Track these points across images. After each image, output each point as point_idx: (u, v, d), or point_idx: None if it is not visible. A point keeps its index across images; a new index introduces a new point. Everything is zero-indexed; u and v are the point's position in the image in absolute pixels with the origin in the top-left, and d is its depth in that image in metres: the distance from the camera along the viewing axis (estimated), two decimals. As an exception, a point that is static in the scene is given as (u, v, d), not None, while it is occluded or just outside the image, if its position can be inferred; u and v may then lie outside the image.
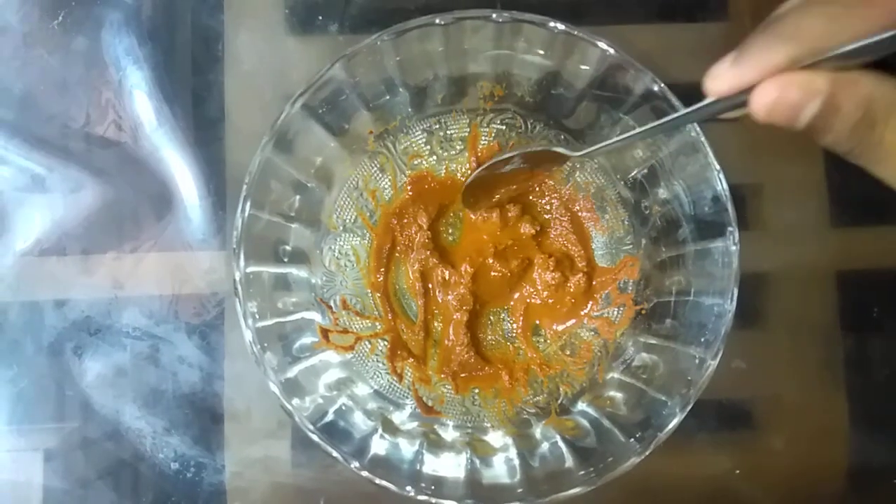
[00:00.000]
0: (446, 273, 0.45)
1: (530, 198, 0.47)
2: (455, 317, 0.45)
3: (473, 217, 0.46)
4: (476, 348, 0.46)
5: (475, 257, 0.46)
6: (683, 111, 0.30)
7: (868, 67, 0.24)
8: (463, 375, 0.45)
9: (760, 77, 0.24)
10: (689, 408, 0.37)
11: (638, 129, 0.34)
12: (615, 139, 0.36)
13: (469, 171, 0.46)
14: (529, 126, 0.46)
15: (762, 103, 0.25)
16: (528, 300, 0.46)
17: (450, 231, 0.47)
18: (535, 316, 0.46)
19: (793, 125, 0.25)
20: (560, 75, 0.41)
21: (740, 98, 0.26)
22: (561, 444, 0.41)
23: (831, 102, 0.24)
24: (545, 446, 0.42)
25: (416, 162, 0.46)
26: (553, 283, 0.45)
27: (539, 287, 0.46)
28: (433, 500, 0.37)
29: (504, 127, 0.46)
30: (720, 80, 0.26)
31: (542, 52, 0.40)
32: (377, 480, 0.38)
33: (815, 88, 0.24)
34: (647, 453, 0.37)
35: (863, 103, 0.24)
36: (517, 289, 0.46)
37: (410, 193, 0.46)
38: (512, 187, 0.45)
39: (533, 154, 0.41)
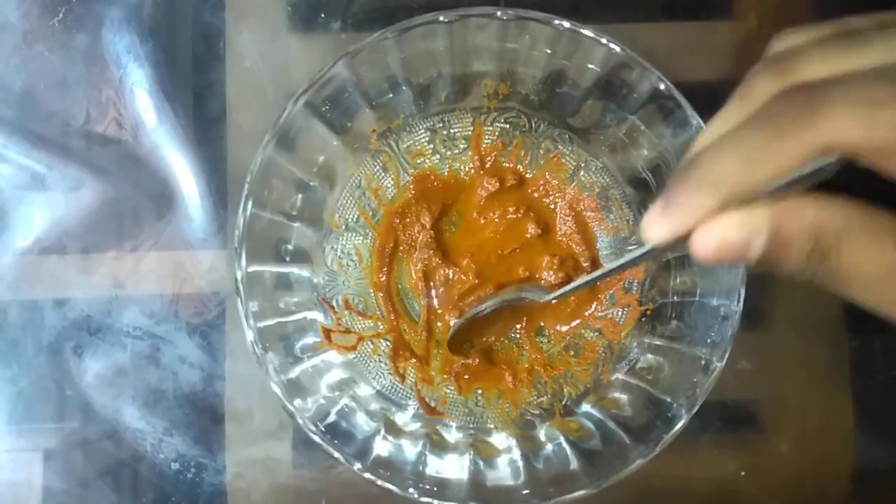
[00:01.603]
0: (450, 272, 0.45)
1: (535, 195, 0.46)
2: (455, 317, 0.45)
3: (476, 216, 0.46)
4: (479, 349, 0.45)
5: (478, 255, 0.45)
6: (627, 258, 0.29)
7: (812, 189, 0.22)
8: (466, 376, 0.45)
9: (694, 223, 0.23)
10: (695, 410, 0.37)
11: (591, 275, 0.34)
12: (577, 282, 0.35)
13: (472, 170, 0.46)
14: (534, 125, 0.45)
15: (705, 249, 0.23)
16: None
17: (452, 230, 0.47)
18: (538, 316, 0.46)
19: (746, 262, 0.23)
20: (565, 73, 0.41)
21: (682, 243, 0.24)
22: (565, 445, 0.41)
23: (777, 237, 0.22)
24: (549, 448, 0.41)
25: (419, 161, 0.46)
26: (557, 283, 0.45)
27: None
28: (436, 502, 0.37)
29: (508, 126, 0.45)
30: (654, 229, 0.24)
31: (547, 49, 0.40)
32: (380, 482, 0.38)
33: (756, 226, 0.22)
34: (652, 455, 0.37)
35: (811, 234, 0.22)
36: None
37: (413, 192, 0.46)
38: (499, 326, 0.45)
39: (510, 302, 0.42)
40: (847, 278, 0.22)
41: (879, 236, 0.22)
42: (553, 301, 0.40)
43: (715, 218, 0.23)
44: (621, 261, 0.29)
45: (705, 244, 0.23)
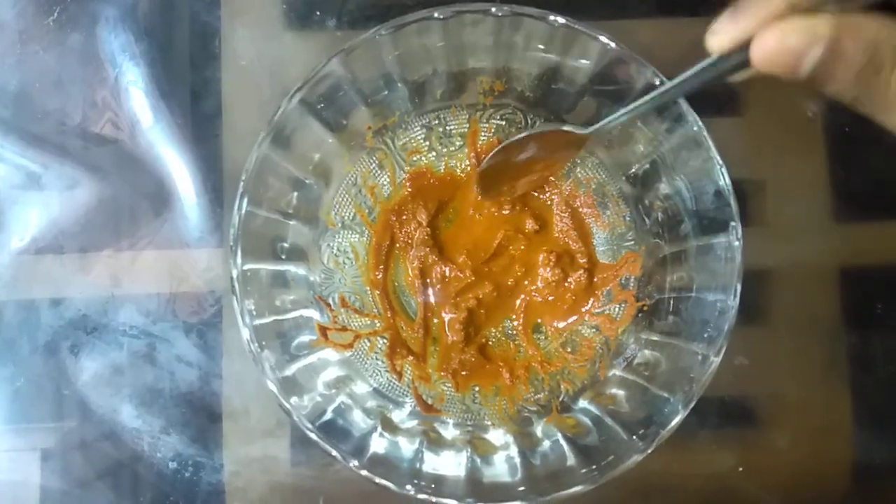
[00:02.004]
0: (446, 270, 0.45)
1: (533, 193, 0.46)
2: (451, 314, 0.45)
3: (473, 212, 0.46)
4: (476, 346, 0.45)
5: (474, 252, 0.45)
6: (689, 72, 0.29)
7: (871, 10, 0.23)
8: (463, 373, 0.45)
9: (760, 26, 0.24)
10: (692, 405, 0.37)
11: (648, 97, 0.33)
12: (625, 110, 0.35)
13: (468, 167, 0.46)
14: (529, 121, 0.45)
15: (762, 52, 0.24)
16: (528, 297, 0.46)
17: (449, 227, 0.47)
18: (535, 313, 0.46)
19: (796, 74, 0.24)
20: (560, 70, 0.41)
21: (743, 55, 0.25)
22: (562, 441, 0.41)
23: (834, 48, 0.23)
24: (546, 444, 0.41)
25: (415, 158, 0.46)
26: (554, 279, 0.45)
27: (540, 284, 0.45)
28: (433, 499, 0.37)
29: (504, 122, 0.45)
30: (720, 34, 0.25)
31: (542, 46, 0.40)
32: (377, 479, 0.37)
33: (817, 34, 0.23)
34: (649, 451, 0.37)
35: (867, 47, 0.23)
36: (518, 290, 0.46)
37: (409, 190, 0.46)
38: (531, 177, 0.44)
39: (544, 137, 0.40)
40: (894, 98, 0.23)
41: None
42: (590, 133, 0.37)
43: (779, 22, 0.23)
44: (690, 72, 0.29)
45: (764, 47, 0.23)
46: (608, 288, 0.45)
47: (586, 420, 0.42)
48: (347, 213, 0.46)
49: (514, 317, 0.46)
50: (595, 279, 0.46)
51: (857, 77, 0.23)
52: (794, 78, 0.24)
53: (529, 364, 0.45)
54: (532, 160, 0.42)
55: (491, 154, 0.42)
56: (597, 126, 0.37)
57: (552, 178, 0.46)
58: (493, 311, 0.46)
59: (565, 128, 0.39)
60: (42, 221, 0.47)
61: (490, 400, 0.45)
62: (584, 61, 0.39)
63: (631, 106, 0.35)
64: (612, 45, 0.37)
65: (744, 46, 0.24)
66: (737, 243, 0.37)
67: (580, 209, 0.46)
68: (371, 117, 0.44)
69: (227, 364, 0.46)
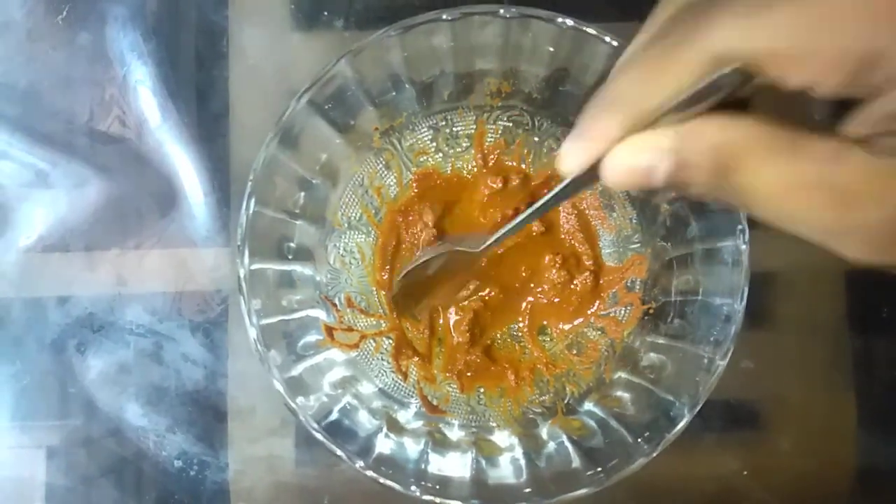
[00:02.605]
0: (452, 271, 0.45)
1: (537, 193, 0.46)
2: (457, 315, 0.45)
3: (479, 214, 0.46)
4: (481, 347, 0.45)
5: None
6: (548, 195, 0.29)
7: (714, 112, 0.22)
8: (468, 374, 0.45)
9: (605, 148, 0.23)
10: (698, 408, 0.37)
11: (514, 221, 0.34)
12: (505, 228, 0.35)
13: (475, 169, 0.46)
14: (537, 123, 0.45)
15: (612, 174, 0.23)
16: (534, 299, 0.46)
17: (455, 229, 0.47)
18: (541, 315, 0.46)
19: (651, 187, 0.23)
20: (568, 72, 0.41)
21: (595, 171, 0.24)
22: (567, 444, 0.41)
23: (679, 158, 0.22)
24: (552, 446, 0.41)
25: (421, 159, 0.46)
26: (559, 281, 0.45)
27: (545, 286, 0.45)
28: (438, 500, 0.37)
29: (511, 124, 0.45)
30: (568, 159, 0.24)
31: (550, 47, 0.40)
32: (382, 480, 0.37)
33: (661, 148, 0.22)
34: (654, 454, 0.37)
35: (710, 154, 0.22)
36: (524, 292, 0.46)
37: (416, 191, 0.46)
38: (445, 288, 0.45)
39: (442, 258, 0.41)
40: (748, 197, 0.22)
41: (776, 153, 0.21)
42: (482, 251, 0.39)
43: (622, 143, 0.23)
44: (549, 195, 0.29)
45: (613, 169, 0.23)
46: (614, 290, 0.45)
47: (591, 422, 0.42)
48: (354, 214, 0.46)
49: (520, 319, 0.46)
50: (601, 281, 0.46)
51: (709, 183, 0.22)
52: (650, 189, 0.24)
53: (535, 366, 0.45)
54: (444, 273, 0.43)
55: (399, 280, 0.43)
56: (486, 244, 0.38)
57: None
58: (499, 313, 0.46)
59: (458, 246, 0.40)
60: (49, 219, 0.48)
61: (495, 401, 0.45)
62: (591, 63, 0.39)
63: (506, 227, 0.35)
64: (621, 46, 0.37)
65: (594, 165, 0.24)
66: (744, 247, 0.37)
67: (586, 211, 0.46)
68: (378, 118, 0.44)
69: (232, 363, 0.47)
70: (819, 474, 0.47)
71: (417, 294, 0.44)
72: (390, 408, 0.44)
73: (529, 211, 0.32)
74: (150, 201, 0.48)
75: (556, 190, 0.28)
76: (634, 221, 0.45)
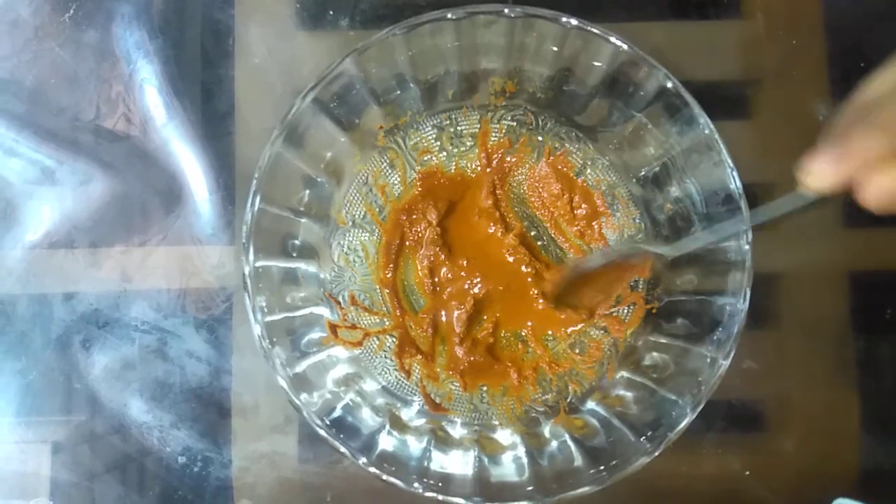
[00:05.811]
0: (456, 269, 0.45)
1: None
2: (455, 313, 0.45)
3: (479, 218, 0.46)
4: (484, 346, 0.45)
5: (484, 252, 0.46)
6: (788, 206, 0.29)
7: None
8: (471, 373, 0.45)
9: (863, 168, 0.24)
10: (700, 408, 0.37)
11: (724, 231, 0.35)
12: (701, 243, 0.36)
13: (478, 168, 0.46)
14: (541, 122, 0.45)
15: (878, 195, 0.24)
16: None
17: (459, 227, 0.47)
18: (545, 320, 0.46)
19: None
20: (572, 71, 0.41)
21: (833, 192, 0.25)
22: (570, 442, 0.41)
23: None
24: (554, 445, 0.41)
25: (425, 158, 0.46)
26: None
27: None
28: (441, 497, 0.37)
29: (515, 123, 0.46)
30: (821, 176, 0.25)
31: (554, 47, 0.40)
32: (385, 477, 0.38)
33: None
34: (656, 453, 0.37)
35: None
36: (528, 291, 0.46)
37: (420, 189, 0.46)
38: (601, 284, 0.44)
39: (620, 255, 0.41)
40: None
41: None
42: (671, 257, 0.38)
43: (886, 166, 0.24)
44: (778, 210, 0.29)
45: (878, 191, 0.24)
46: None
47: (594, 421, 0.42)
48: (358, 212, 0.46)
49: (529, 323, 0.46)
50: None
51: None
52: None
53: (538, 365, 0.45)
54: (603, 270, 0.42)
55: (564, 277, 0.43)
56: (679, 249, 0.38)
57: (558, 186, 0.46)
58: (505, 316, 0.46)
59: (653, 249, 0.39)
60: (55, 216, 0.48)
61: (498, 400, 0.45)
62: (595, 63, 0.40)
63: (706, 240, 0.36)
64: (625, 46, 0.37)
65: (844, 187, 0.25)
66: (746, 247, 0.37)
67: (590, 211, 0.46)
68: (383, 117, 0.44)
69: (237, 360, 0.47)
70: (822, 475, 0.47)
71: (577, 289, 0.44)
72: (393, 405, 0.44)
73: (761, 216, 0.32)
74: (155, 199, 0.48)
75: (799, 203, 0.28)
76: (638, 221, 0.45)
